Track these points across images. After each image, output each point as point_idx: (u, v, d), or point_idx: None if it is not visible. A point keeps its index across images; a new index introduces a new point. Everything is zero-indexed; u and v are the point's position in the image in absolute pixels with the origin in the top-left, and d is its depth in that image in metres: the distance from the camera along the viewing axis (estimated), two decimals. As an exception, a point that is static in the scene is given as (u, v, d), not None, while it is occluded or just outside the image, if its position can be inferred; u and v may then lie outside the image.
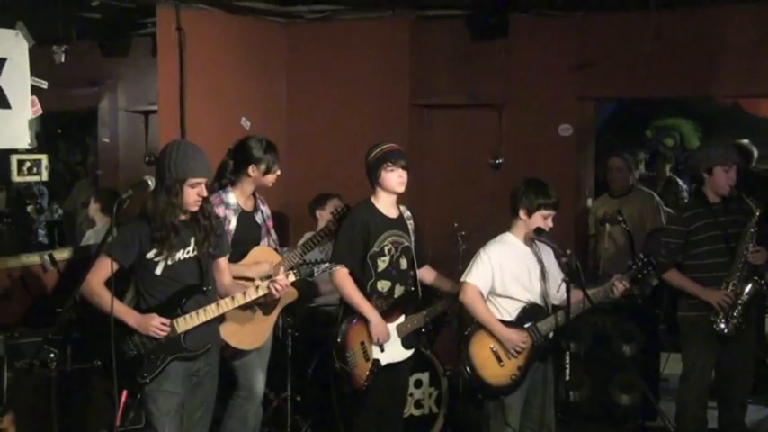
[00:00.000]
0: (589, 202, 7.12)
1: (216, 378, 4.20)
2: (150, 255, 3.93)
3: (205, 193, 3.99)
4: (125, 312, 3.92)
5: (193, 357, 4.01)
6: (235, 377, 4.72)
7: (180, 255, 3.99)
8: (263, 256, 4.70)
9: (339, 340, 4.53)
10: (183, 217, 3.99)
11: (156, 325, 3.90)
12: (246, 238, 4.70)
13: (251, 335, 4.61)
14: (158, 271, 3.94)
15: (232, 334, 4.48)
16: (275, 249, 4.88)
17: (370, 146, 4.65)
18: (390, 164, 4.49)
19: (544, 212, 4.42)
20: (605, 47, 6.63)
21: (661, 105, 9.13)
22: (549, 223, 4.44)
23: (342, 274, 4.49)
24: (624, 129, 9.04)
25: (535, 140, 6.78)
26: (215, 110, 6.27)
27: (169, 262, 3.95)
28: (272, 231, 4.93)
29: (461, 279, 4.49)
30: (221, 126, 6.29)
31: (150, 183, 3.91)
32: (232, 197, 4.68)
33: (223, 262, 4.22)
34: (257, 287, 4.11)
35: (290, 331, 5.37)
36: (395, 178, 4.51)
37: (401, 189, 4.57)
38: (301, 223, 6.32)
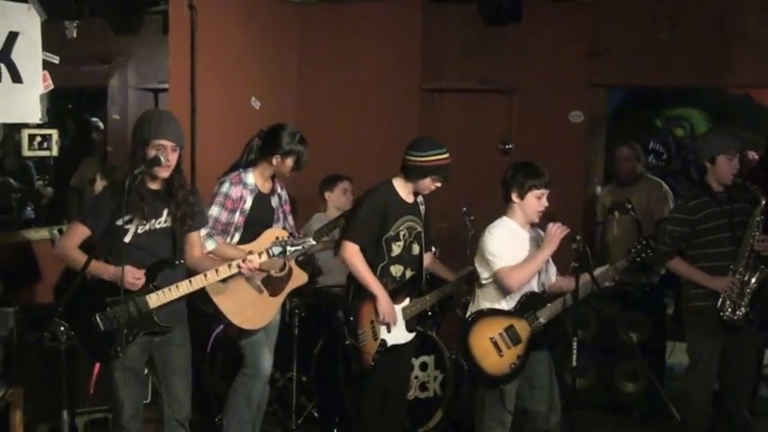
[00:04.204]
0: (598, 189, 7.13)
1: (184, 345, 4.19)
2: (120, 221, 3.90)
3: (171, 158, 3.95)
4: (101, 268, 3.92)
5: (164, 332, 4.05)
6: (242, 355, 4.76)
7: (151, 224, 3.99)
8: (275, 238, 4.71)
9: (352, 318, 4.57)
10: (154, 186, 3.99)
11: (133, 277, 3.90)
12: (259, 219, 4.71)
13: (256, 315, 4.64)
14: (127, 239, 3.93)
15: (236, 313, 4.52)
16: (290, 234, 4.87)
17: (425, 138, 4.75)
18: (437, 177, 4.56)
19: (536, 192, 4.40)
20: (619, 34, 6.62)
21: (672, 94, 9.11)
22: (544, 202, 4.42)
23: (353, 250, 4.52)
24: (634, 117, 9.03)
25: (546, 126, 6.79)
26: (225, 89, 6.28)
27: (139, 230, 3.96)
28: (290, 216, 4.94)
29: (489, 275, 4.46)
30: (231, 106, 6.30)
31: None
32: (251, 177, 4.69)
33: (195, 235, 4.21)
34: (229, 265, 4.10)
35: (296, 311, 5.41)
36: (432, 187, 4.61)
37: (424, 194, 4.68)
38: (310, 205, 6.33)
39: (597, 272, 4.49)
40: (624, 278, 4.57)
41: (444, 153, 4.57)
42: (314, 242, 4.39)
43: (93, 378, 3.98)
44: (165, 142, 3.93)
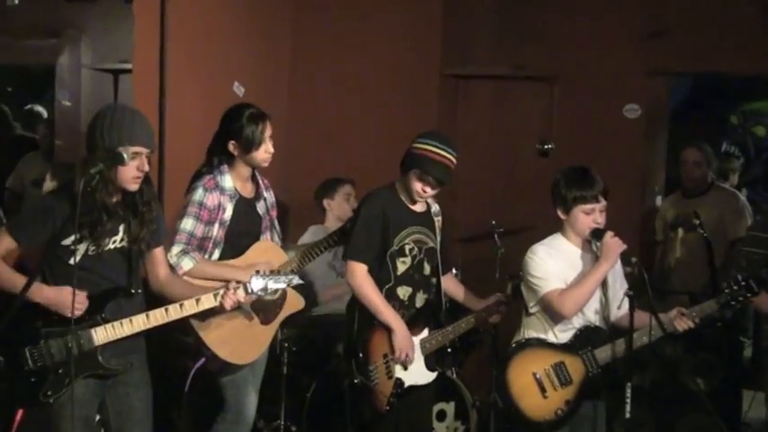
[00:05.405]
0: (658, 200, 7.14)
1: (142, 386, 4.17)
2: (67, 241, 3.87)
3: (146, 168, 3.94)
4: (34, 289, 3.82)
5: (108, 376, 4.02)
6: (222, 396, 4.76)
7: (105, 244, 3.97)
8: (266, 253, 4.72)
9: (361, 353, 4.57)
10: (112, 198, 3.95)
11: (78, 300, 3.83)
12: (243, 230, 4.71)
13: (244, 346, 4.65)
14: (74, 261, 3.87)
15: (222, 344, 4.52)
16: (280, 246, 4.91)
17: (438, 131, 4.78)
18: (424, 175, 4.56)
19: (584, 207, 4.40)
20: (685, 10, 6.63)
21: (750, 85, 9.12)
22: (598, 218, 4.42)
23: (361, 272, 4.55)
24: (703, 113, 9.04)
25: (594, 123, 6.81)
26: (202, 72, 6.28)
27: (90, 251, 3.93)
28: (276, 223, 4.95)
29: (535, 302, 4.49)
30: (209, 92, 6.29)
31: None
32: (228, 180, 4.68)
33: (158, 252, 4.21)
34: (197, 300, 4.10)
35: (285, 345, 5.40)
36: (418, 187, 4.60)
37: (419, 200, 4.68)
38: (304, 214, 6.36)
39: (672, 314, 4.49)
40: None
41: (445, 150, 4.56)
42: (301, 281, 4.44)
43: (14, 427, 3.97)
44: (140, 149, 3.90)
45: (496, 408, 4.55)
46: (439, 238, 4.80)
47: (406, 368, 4.61)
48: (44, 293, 3.87)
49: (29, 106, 7.83)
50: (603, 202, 4.44)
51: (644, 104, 6.81)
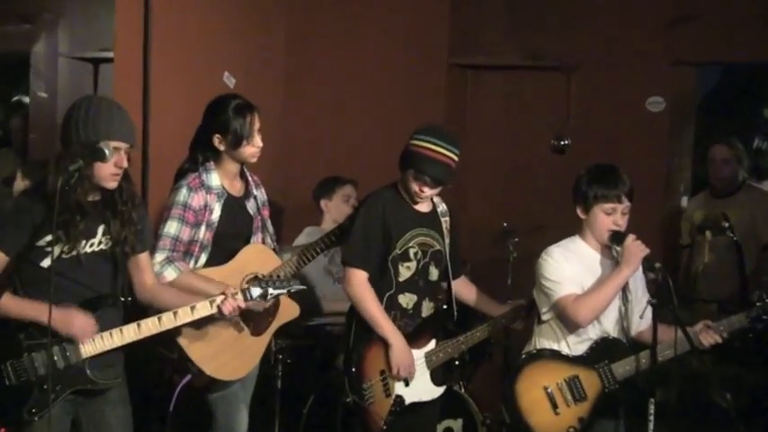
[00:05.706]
0: (684, 201, 7.14)
1: (121, 403, 4.15)
2: (42, 242, 3.85)
3: (125, 164, 3.93)
4: (37, 310, 3.81)
5: (97, 392, 4.01)
6: (211, 414, 4.76)
7: (82, 247, 3.95)
8: (257, 257, 4.73)
9: (354, 369, 4.58)
10: (90, 197, 3.94)
11: (84, 324, 3.85)
12: (233, 231, 4.71)
13: (234, 361, 4.64)
14: (45, 263, 3.86)
15: (209, 359, 4.52)
16: (273, 249, 4.89)
17: (440, 126, 4.79)
18: (419, 175, 4.56)
19: (605, 206, 4.42)
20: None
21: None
22: (619, 220, 4.43)
23: (360, 279, 4.56)
24: (733, 106, 9.03)
25: (614, 117, 6.82)
26: (190, 60, 6.28)
27: (64, 254, 3.90)
28: (269, 224, 4.94)
29: (548, 308, 4.51)
30: (197, 83, 6.27)
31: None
32: (215, 178, 4.67)
33: (144, 258, 4.21)
34: (192, 308, 4.10)
35: (280, 357, 5.40)
36: (416, 187, 4.60)
37: (417, 200, 4.67)
38: (301, 216, 6.37)
39: (698, 327, 4.50)
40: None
41: (443, 147, 4.56)
42: (303, 286, 4.44)
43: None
44: (121, 144, 3.90)
45: (508, 425, 4.54)
46: (447, 240, 4.80)
47: (407, 384, 4.61)
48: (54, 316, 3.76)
49: (16, 97, 7.83)
50: (627, 203, 4.45)
51: (669, 97, 6.82)
